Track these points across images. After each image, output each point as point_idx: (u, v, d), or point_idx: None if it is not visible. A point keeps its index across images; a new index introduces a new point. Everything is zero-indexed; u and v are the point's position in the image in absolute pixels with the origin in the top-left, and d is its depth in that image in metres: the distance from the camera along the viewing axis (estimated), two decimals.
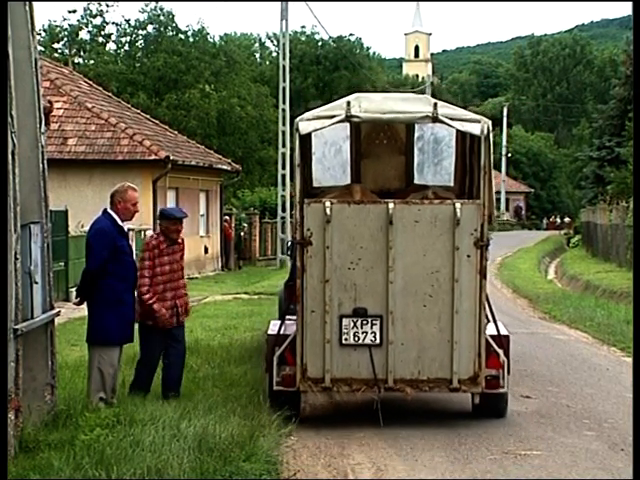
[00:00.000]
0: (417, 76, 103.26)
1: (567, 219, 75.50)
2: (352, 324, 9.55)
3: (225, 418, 8.69)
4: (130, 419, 8.28)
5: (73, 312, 19.93)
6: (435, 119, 9.69)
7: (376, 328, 9.52)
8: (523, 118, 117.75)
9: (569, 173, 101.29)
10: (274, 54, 72.10)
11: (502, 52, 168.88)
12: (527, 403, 11.02)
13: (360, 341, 9.54)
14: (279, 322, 10.09)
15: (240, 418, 8.89)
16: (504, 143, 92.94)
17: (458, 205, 9.52)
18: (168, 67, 54.09)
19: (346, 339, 9.54)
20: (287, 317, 9.99)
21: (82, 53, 58.62)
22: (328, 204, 9.55)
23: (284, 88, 37.90)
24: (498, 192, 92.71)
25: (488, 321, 9.85)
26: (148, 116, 36.00)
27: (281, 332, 9.82)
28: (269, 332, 10.08)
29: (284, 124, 37.87)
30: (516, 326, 19.29)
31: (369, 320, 9.53)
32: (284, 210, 38.13)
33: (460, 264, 9.46)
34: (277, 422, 9.22)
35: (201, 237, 35.07)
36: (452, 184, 12.03)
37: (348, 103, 9.74)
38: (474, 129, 9.73)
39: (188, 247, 38.27)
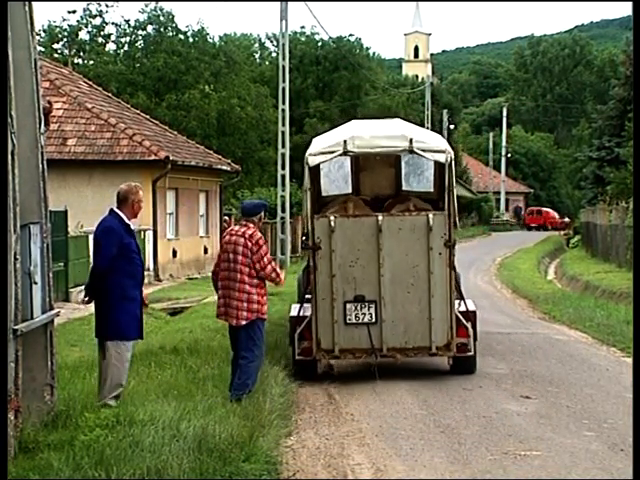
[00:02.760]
0: (417, 76, 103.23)
1: (567, 219, 75.56)
2: (354, 308, 12.36)
3: (225, 418, 8.69)
4: (130, 419, 8.26)
5: (73, 312, 19.93)
6: (411, 151, 12.63)
7: (372, 310, 12.35)
8: (523, 118, 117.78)
9: (569, 173, 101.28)
10: (274, 54, 72.04)
11: (502, 52, 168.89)
12: (527, 403, 11.01)
13: (360, 320, 12.35)
14: (298, 306, 12.82)
15: (240, 418, 8.88)
16: (504, 143, 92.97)
17: (431, 216, 12.40)
18: (168, 67, 54.07)
19: (349, 319, 12.36)
20: (304, 302, 12.76)
21: (82, 53, 58.58)
22: (332, 218, 12.45)
23: (284, 88, 37.86)
24: (498, 192, 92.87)
25: (461, 299, 12.66)
26: (148, 116, 35.98)
27: (300, 314, 12.58)
28: (291, 315, 12.95)
29: (284, 124, 37.82)
30: (516, 326, 19.29)
31: (366, 304, 12.35)
32: (284, 211, 38.04)
33: (434, 260, 12.30)
34: (277, 422, 9.22)
35: (201, 237, 35.05)
36: (432, 190, 14.91)
37: (345, 142, 12.55)
38: (440, 158, 12.69)
39: (187, 247, 38.08)
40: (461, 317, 12.48)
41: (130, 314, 9.20)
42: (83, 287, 9.88)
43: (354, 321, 12.30)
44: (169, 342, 14.39)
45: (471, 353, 12.59)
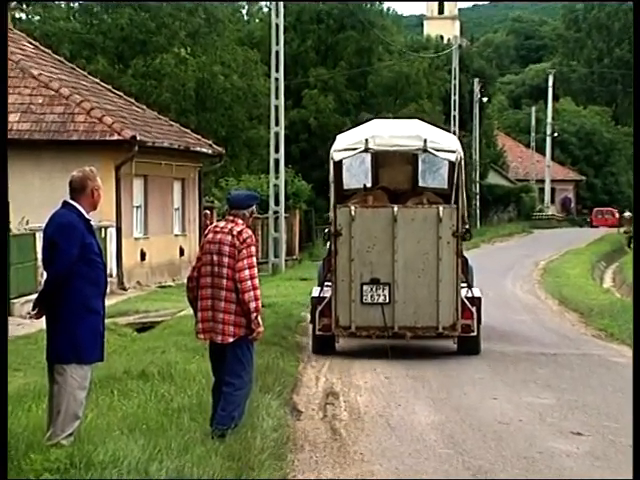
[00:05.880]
0: (441, 37, 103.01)
1: (627, 214, 75.47)
2: (370, 289, 16.76)
3: (205, 459, 8.68)
4: (87, 461, 8.20)
5: (16, 329, 19.92)
6: (425, 150, 17.18)
7: (386, 292, 16.75)
8: (573, 88, 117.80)
9: (630, 157, 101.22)
10: (265, 10, 72.14)
11: (547, 7, 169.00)
12: (578, 441, 11.01)
13: (375, 301, 16.76)
14: (319, 288, 17.44)
15: (223, 459, 8.87)
16: (549, 120, 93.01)
17: (441, 209, 16.83)
18: (134, 26, 54.06)
19: (365, 299, 16.78)
20: (324, 285, 17.29)
21: (25, 6, 58.56)
22: (353, 208, 16.93)
23: (277, 52, 37.91)
24: (542, 181, 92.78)
25: (469, 286, 17.19)
26: (109, 87, 36.02)
27: (321, 295, 17.22)
28: (312, 295, 17.61)
29: (277, 97, 37.87)
30: (564, 346, 19.31)
31: (381, 286, 16.75)
32: (277, 203, 38.06)
33: (442, 248, 16.65)
34: (268, 463, 9.21)
35: (176, 236, 35.08)
36: (446, 187, 18.54)
37: (366, 140, 17.02)
38: (451, 157, 17.41)
39: (159, 248, 37.95)
40: (467, 302, 16.87)
41: (92, 330, 9.12)
42: (31, 298, 9.84)
43: (369, 301, 16.76)
44: (136, 365, 14.39)
45: (474, 334, 16.96)
